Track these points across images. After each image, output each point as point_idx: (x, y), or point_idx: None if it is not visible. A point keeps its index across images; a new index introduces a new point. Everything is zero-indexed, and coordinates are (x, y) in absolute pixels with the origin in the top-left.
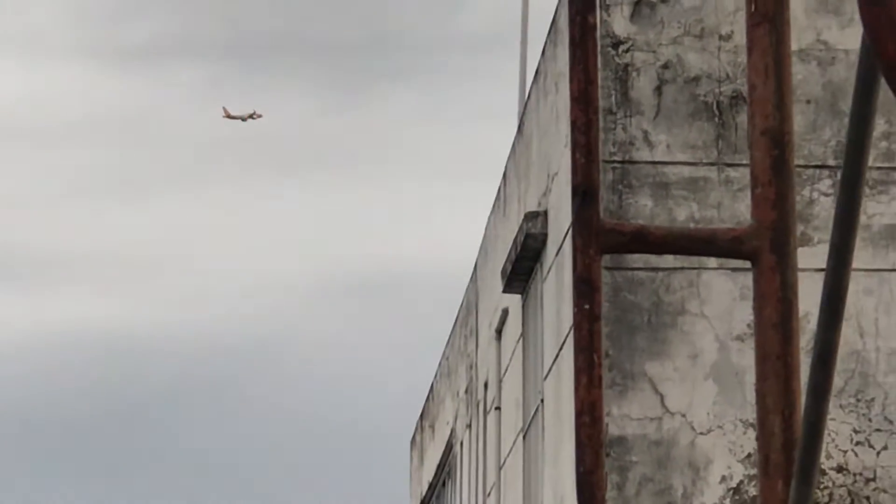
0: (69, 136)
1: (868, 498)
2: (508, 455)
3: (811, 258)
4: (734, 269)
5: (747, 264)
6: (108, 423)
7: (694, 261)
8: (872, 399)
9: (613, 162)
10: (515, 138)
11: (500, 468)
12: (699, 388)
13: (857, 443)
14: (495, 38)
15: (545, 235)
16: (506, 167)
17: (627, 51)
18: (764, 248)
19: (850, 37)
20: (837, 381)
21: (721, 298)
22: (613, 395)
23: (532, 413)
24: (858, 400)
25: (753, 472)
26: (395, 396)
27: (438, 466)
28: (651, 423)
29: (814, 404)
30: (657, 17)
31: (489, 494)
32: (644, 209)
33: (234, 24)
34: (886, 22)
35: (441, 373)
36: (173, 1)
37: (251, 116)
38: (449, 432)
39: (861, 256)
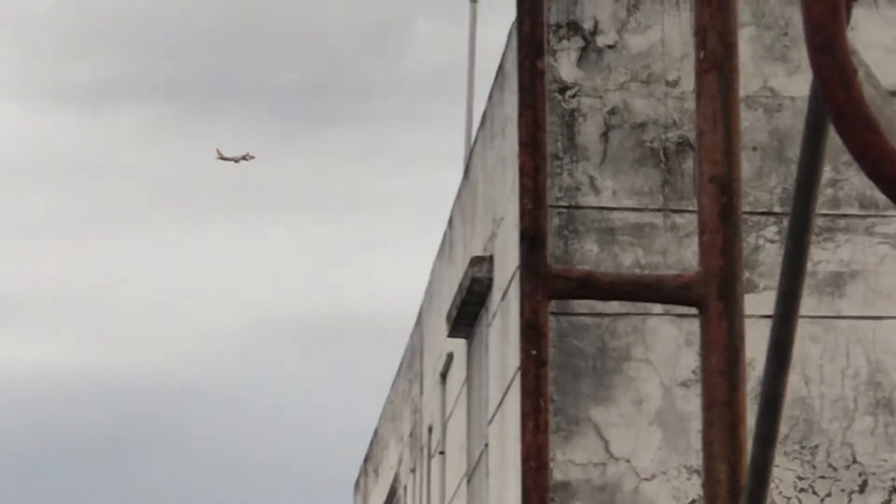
0: (9, 178)
1: None
2: (452, 499)
3: (756, 305)
4: (679, 315)
5: (693, 310)
6: (45, 466)
7: (639, 306)
8: (817, 446)
9: (559, 207)
10: (461, 183)
11: None
12: (644, 433)
13: (801, 489)
14: (440, 82)
15: (490, 280)
16: (451, 212)
17: (574, 96)
18: (711, 295)
19: (796, 84)
20: (782, 428)
21: (666, 344)
22: (558, 440)
23: (476, 457)
24: (803, 447)
25: None
26: (338, 440)
27: None
28: (595, 468)
29: (760, 451)
30: (604, 63)
31: None
32: (590, 254)
33: (175, 66)
34: (836, 70)
35: (385, 416)
36: (114, 43)
37: (244, 158)
38: (393, 476)
39: (806, 303)
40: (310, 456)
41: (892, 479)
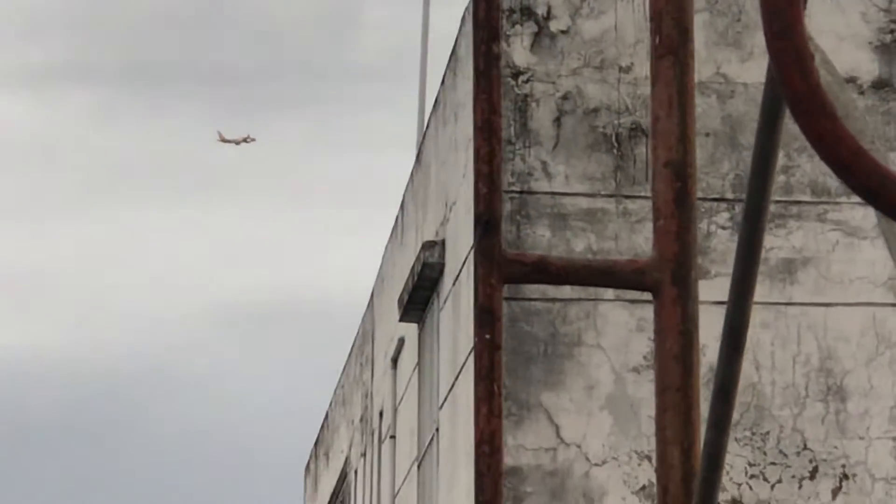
0: None
1: None
2: (403, 484)
3: (708, 291)
4: (631, 301)
5: (645, 296)
6: None
7: (591, 292)
8: (767, 432)
9: (512, 192)
10: (414, 167)
11: (394, 497)
12: (595, 419)
13: (752, 476)
14: (393, 67)
15: (442, 265)
16: (404, 196)
17: (527, 81)
18: (665, 281)
19: (749, 70)
20: (733, 414)
21: (617, 330)
22: (509, 425)
23: (427, 442)
24: (754, 433)
25: (647, 503)
26: (289, 424)
27: (332, 495)
28: (546, 453)
29: (714, 436)
30: (557, 48)
31: None
32: (542, 240)
33: (128, 50)
34: (793, 55)
35: (336, 401)
36: (69, 26)
37: (245, 140)
38: (343, 460)
39: (758, 290)
40: (261, 439)
41: (843, 466)
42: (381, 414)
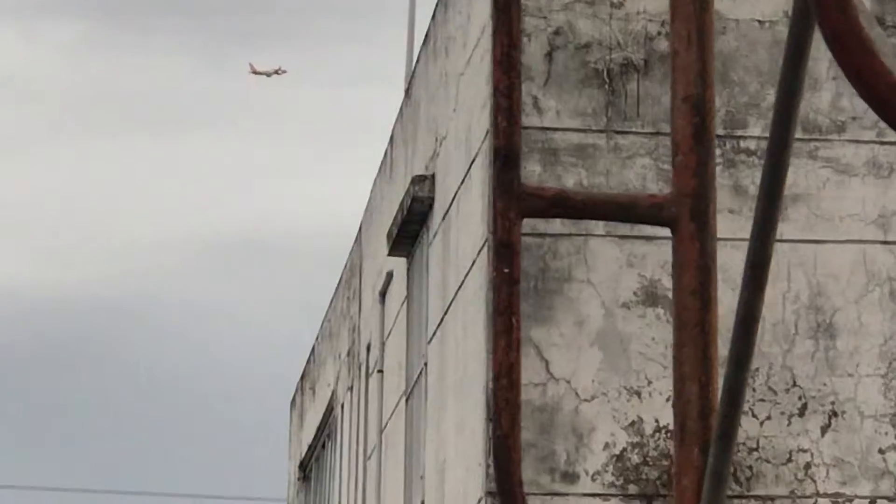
0: None
1: (751, 467)
2: (390, 418)
3: None
4: (621, 237)
5: (636, 231)
6: None
7: (581, 227)
8: (757, 369)
9: None
10: (403, 101)
11: (381, 431)
12: (584, 354)
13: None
14: (381, 1)
15: (432, 199)
16: (393, 130)
17: None
18: (684, 216)
19: (740, 7)
20: (721, 350)
21: (608, 265)
22: None
23: (415, 376)
24: None
25: (636, 439)
26: (275, 357)
27: (318, 428)
28: (535, 388)
29: (735, 371)
30: None
31: (370, 457)
32: (532, 175)
33: None
34: None
35: (323, 334)
36: None
37: (276, 72)
38: (330, 394)
39: (747, 226)
40: (245, 373)
41: (832, 403)
42: (368, 348)
